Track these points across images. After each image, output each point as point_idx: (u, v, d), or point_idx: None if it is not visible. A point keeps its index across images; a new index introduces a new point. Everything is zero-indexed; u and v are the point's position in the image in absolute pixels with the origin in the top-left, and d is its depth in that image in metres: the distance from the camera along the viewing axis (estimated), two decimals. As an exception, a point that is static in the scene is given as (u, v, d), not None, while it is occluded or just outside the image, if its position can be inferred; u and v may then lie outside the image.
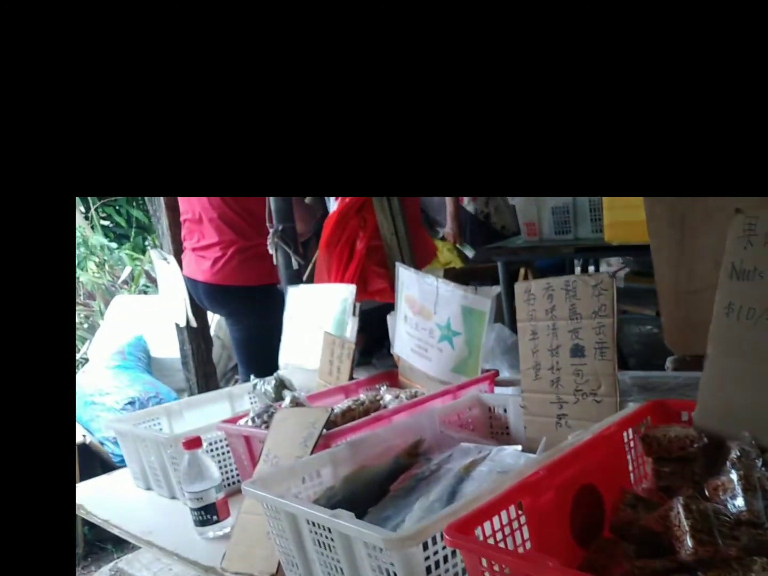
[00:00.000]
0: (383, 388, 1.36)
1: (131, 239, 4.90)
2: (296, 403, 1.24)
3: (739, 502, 0.73)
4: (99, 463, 2.82)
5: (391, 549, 0.68)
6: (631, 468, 0.86)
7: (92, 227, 4.61)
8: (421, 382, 1.44)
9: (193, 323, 2.51)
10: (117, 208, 5.09)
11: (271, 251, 2.02)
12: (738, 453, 0.77)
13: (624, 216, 1.84)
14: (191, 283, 2.28)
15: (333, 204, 2.11)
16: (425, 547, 0.70)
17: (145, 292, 4.23)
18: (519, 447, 0.97)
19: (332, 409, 1.13)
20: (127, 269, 4.38)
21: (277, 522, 0.85)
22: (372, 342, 2.55)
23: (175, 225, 2.42)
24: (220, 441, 1.34)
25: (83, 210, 4.65)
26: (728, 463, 0.77)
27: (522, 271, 2.55)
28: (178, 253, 2.40)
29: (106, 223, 5.04)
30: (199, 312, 2.50)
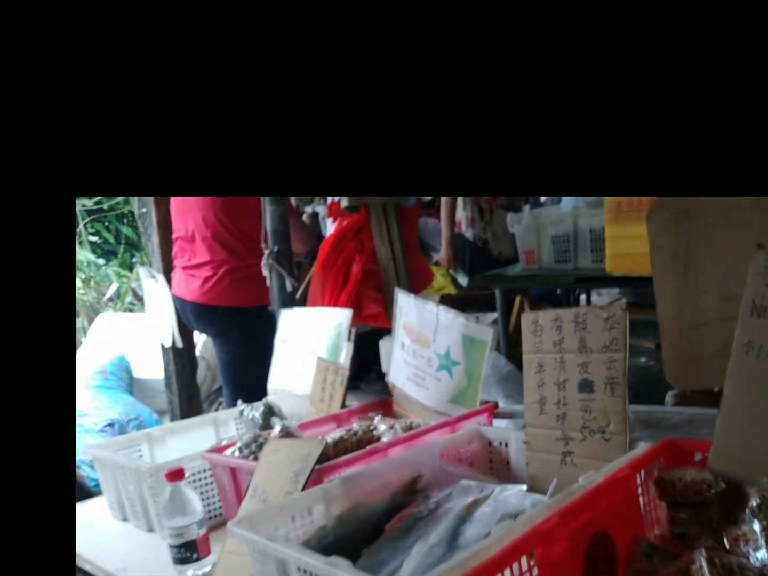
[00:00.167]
0: (377, 418, 1.30)
1: (119, 256, 4.83)
2: (286, 432, 1.19)
3: (762, 554, 0.69)
4: (73, 487, 2.72)
5: (390, 602, 0.63)
6: (643, 512, 0.82)
7: (80, 242, 4.55)
8: (417, 412, 1.38)
9: (179, 344, 2.45)
10: (106, 224, 5.03)
11: (265, 273, 1.98)
12: (758, 500, 0.74)
13: (626, 247, 1.82)
14: (179, 302, 2.23)
15: (330, 226, 2.08)
16: (427, 601, 0.64)
17: (131, 310, 4.16)
18: (524, 487, 0.92)
19: (326, 442, 1.07)
20: (114, 286, 4.32)
21: (264, 566, 0.78)
22: (361, 366, 2.50)
23: (166, 243, 2.38)
24: (204, 471, 1.28)
25: (72, 225, 4.60)
26: (748, 512, 0.73)
27: (518, 299, 2.51)
28: (167, 271, 2.35)
29: (94, 239, 4.98)
30: (185, 332, 2.45)
